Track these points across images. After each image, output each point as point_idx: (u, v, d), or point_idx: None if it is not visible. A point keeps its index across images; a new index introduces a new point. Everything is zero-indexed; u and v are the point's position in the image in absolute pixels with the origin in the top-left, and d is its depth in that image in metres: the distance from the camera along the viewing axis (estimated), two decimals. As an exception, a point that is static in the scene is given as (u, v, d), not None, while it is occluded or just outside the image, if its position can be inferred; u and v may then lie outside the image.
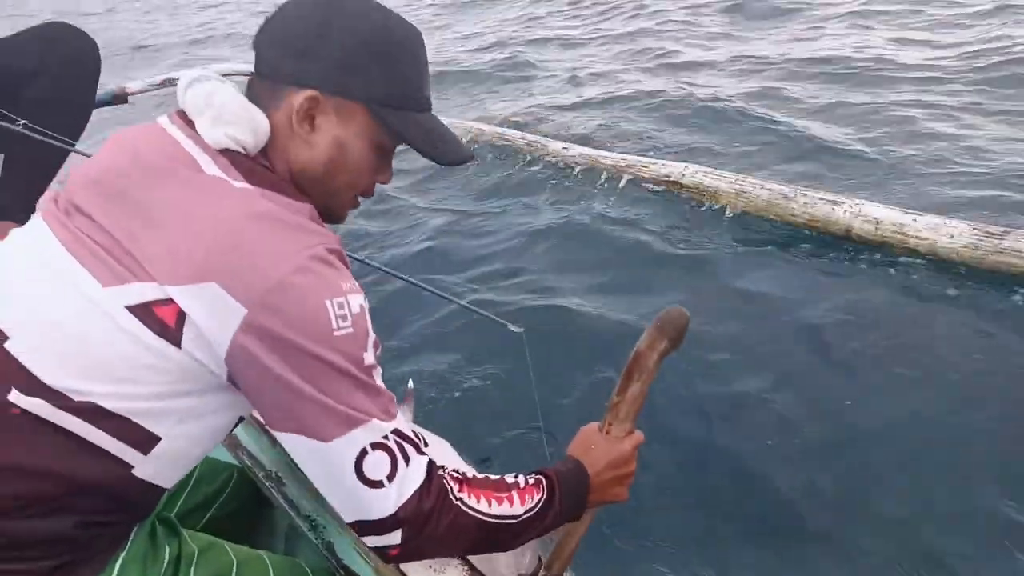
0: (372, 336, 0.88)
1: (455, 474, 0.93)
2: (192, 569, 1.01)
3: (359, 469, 0.83)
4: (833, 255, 2.92)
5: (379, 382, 0.88)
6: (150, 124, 0.98)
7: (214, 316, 0.82)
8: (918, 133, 3.99)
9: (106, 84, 3.26)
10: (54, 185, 2.33)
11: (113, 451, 0.86)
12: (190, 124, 0.94)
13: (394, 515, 0.85)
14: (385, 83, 0.96)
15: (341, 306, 0.84)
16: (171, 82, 3.71)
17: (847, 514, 1.85)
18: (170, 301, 0.82)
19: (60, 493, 0.85)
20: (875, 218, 2.86)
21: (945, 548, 1.72)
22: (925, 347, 2.33)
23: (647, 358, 1.05)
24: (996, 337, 2.32)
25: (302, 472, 1.23)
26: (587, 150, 4.18)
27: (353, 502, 0.86)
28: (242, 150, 0.92)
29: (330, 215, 1.02)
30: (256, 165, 0.92)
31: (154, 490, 0.94)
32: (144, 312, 0.82)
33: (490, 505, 0.93)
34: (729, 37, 6.77)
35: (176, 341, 0.83)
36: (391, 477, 0.84)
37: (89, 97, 2.20)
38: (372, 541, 0.88)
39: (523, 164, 4.34)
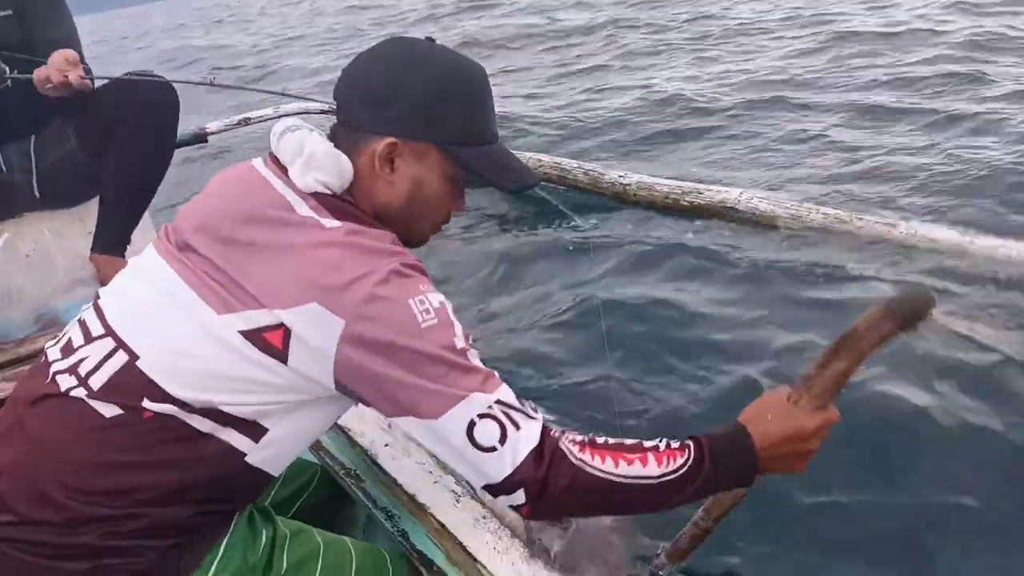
0: (458, 325, 1.02)
1: (577, 437, 1.00)
2: (285, 551, 1.14)
3: (472, 438, 0.95)
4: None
5: (475, 362, 1.00)
6: (247, 167, 1.15)
7: (319, 331, 0.97)
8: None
9: (187, 126, 3.54)
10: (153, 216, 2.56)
11: (230, 440, 1.02)
12: (283, 169, 1.09)
13: (511, 476, 0.95)
14: (456, 124, 1.10)
15: (422, 303, 0.98)
16: (247, 122, 4.00)
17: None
18: (278, 326, 0.97)
19: (185, 481, 1.01)
20: (932, 239, 2.87)
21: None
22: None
23: (862, 338, 0.99)
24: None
25: (378, 469, 1.38)
26: (644, 177, 4.28)
27: (474, 468, 0.98)
28: (329, 191, 1.07)
29: (411, 241, 1.16)
30: (342, 203, 1.08)
31: (262, 476, 1.08)
32: (255, 336, 0.98)
33: (617, 465, 0.97)
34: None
35: (284, 359, 0.98)
36: (503, 441, 0.95)
37: (168, 141, 2.35)
38: (502, 501, 0.99)
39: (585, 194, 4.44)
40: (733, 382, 2.38)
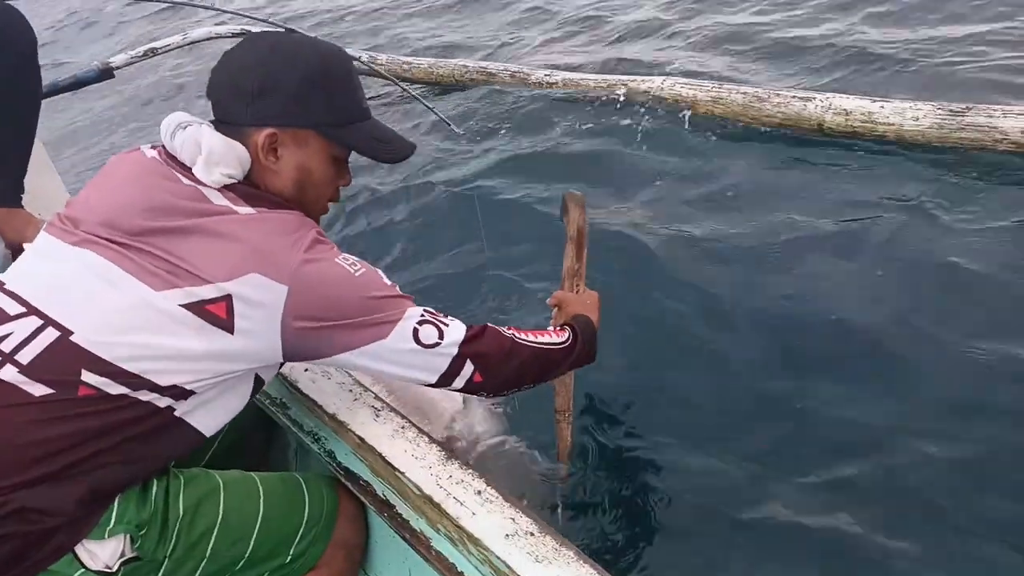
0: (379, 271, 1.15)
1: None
2: (181, 496, 1.13)
3: (417, 339, 1.13)
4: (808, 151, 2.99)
5: (399, 292, 1.17)
6: (141, 158, 1.17)
7: (263, 298, 1.04)
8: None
9: (89, 63, 3.33)
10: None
11: (160, 404, 1.05)
12: (182, 165, 1.14)
13: (457, 357, 1.16)
14: (329, 108, 1.17)
15: (346, 259, 1.12)
16: (154, 52, 3.80)
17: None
18: (221, 298, 1.02)
19: (115, 448, 1.02)
20: (844, 109, 2.91)
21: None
22: (907, 233, 2.38)
23: (582, 232, 1.64)
24: (975, 217, 2.37)
25: (301, 395, 1.41)
26: (570, 74, 4.21)
27: (428, 366, 1.16)
28: (234, 180, 1.13)
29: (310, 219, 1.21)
30: (250, 190, 1.14)
31: (196, 437, 1.12)
32: (197, 308, 1.02)
33: (529, 336, 1.28)
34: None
35: (230, 329, 1.04)
36: (441, 336, 1.15)
37: (25, 74, 2.09)
38: (457, 384, 1.19)
39: (514, 96, 4.37)
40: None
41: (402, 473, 1.19)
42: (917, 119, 2.71)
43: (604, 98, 3.85)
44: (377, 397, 1.38)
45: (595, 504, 1.70)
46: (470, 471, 1.18)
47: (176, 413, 1.07)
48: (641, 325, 2.21)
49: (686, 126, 3.41)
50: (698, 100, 3.48)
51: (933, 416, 1.78)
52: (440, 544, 1.14)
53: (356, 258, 1.14)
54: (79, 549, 1.01)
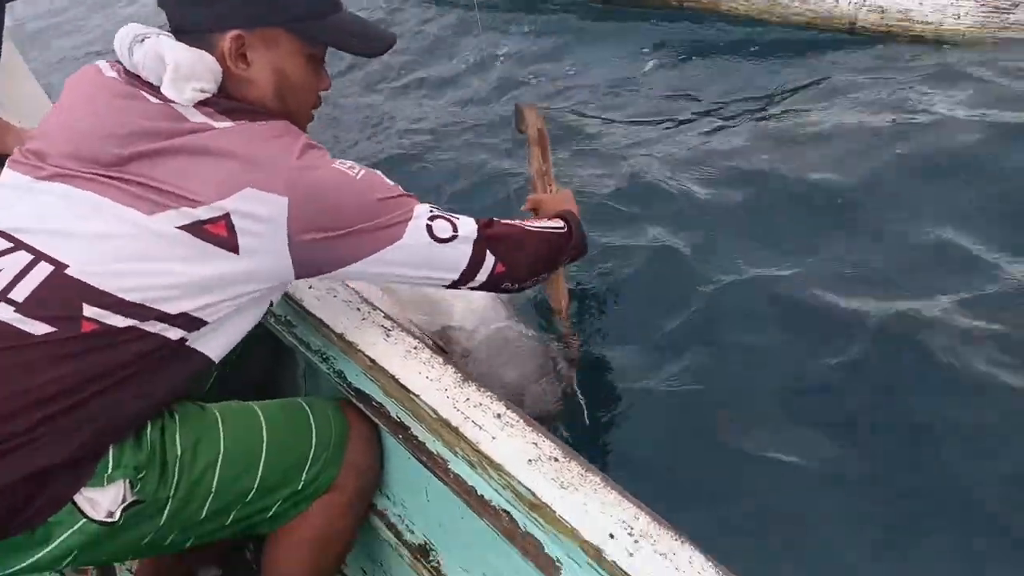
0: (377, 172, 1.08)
1: None
2: (177, 435, 1.06)
3: (432, 235, 1.09)
4: (839, 52, 2.80)
5: (403, 190, 1.11)
6: (106, 80, 1.06)
7: (264, 212, 0.95)
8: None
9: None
10: None
11: (171, 336, 0.99)
12: (145, 82, 1.03)
13: (476, 248, 1.14)
14: (296, 1, 1.06)
15: (343, 163, 1.04)
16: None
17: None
18: (220, 217, 0.94)
19: (123, 378, 0.96)
20: (880, 6, 2.72)
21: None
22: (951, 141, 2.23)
23: (544, 131, 1.73)
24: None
25: (306, 313, 1.34)
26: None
27: (448, 261, 1.13)
28: (208, 95, 1.02)
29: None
30: (229, 103, 1.04)
31: (202, 362, 1.06)
32: (196, 229, 0.94)
33: (542, 224, 1.31)
34: None
35: (234, 248, 0.96)
36: (456, 228, 1.12)
37: None
38: (481, 278, 1.17)
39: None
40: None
41: (416, 396, 1.13)
42: (958, 16, 2.52)
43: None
44: (387, 316, 1.31)
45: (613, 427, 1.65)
46: (488, 394, 1.12)
47: (188, 343, 1.01)
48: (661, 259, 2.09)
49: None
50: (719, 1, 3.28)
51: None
52: (458, 467, 1.08)
53: (352, 161, 1.07)
54: (79, 498, 0.95)
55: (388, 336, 1.25)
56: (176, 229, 0.94)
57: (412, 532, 1.32)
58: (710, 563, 0.82)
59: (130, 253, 0.94)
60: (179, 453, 1.05)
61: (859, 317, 1.73)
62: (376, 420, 1.23)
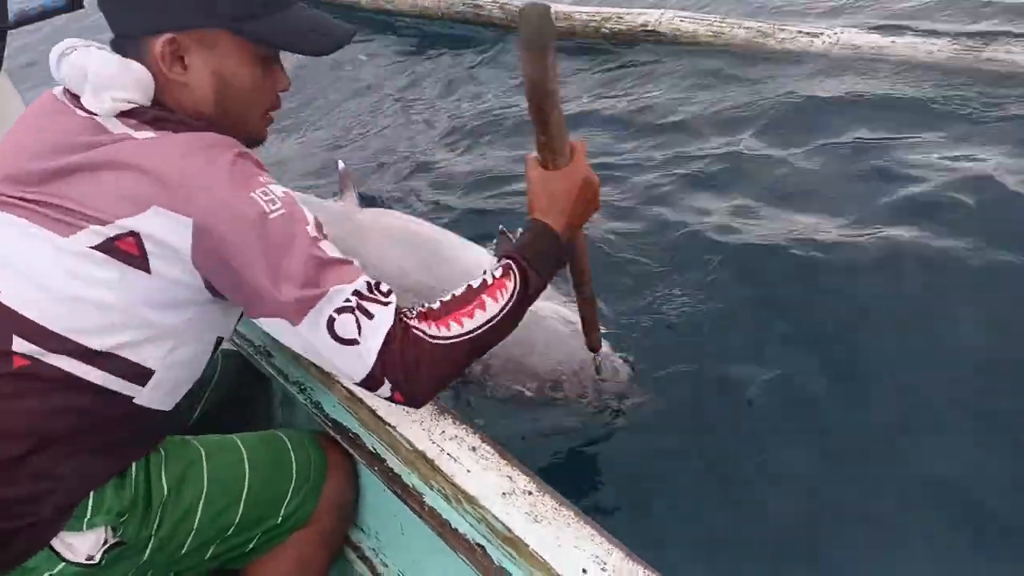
0: (309, 213, 0.95)
1: (422, 311, 0.98)
2: (163, 473, 1.05)
3: (333, 333, 0.91)
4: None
5: (332, 253, 0.94)
6: (47, 98, 1.03)
7: (169, 234, 0.89)
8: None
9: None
10: None
11: (113, 388, 0.95)
12: (76, 97, 0.98)
13: (373, 370, 0.92)
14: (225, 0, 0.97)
15: (266, 194, 0.92)
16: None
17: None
18: (128, 234, 0.89)
19: (69, 431, 0.93)
20: (854, 45, 2.79)
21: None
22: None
23: (544, 81, 1.00)
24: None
25: (283, 344, 1.33)
26: (562, 6, 4.04)
27: (341, 365, 0.94)
28: (136, 106, 0.96)
29: (250, 141, 1.06)
30: (157, 113, 0.97)
31: (154, 415, 1.02)
32: (107, 246, 0.90)
33: (463, 324, 0.97)
34: None
35: (145, 267, 0.91)
36: (360, 331, 0.91)
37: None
38: (378, 393, 0.96)
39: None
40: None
41: (392, 427, 1.13)
42: (931, 53, 2.59)
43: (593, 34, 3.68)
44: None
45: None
46: (464, 427, 1.12)
47: (135, 401, 0.98)
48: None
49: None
50: (699, 35, 3.35)
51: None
52: (434, 501, 1.08)
53: (284, 192, 0.93)
54: (56, 543, 0.94)
55: (365, 367, 1.25)
56: (90, 249, 0.90)
57: (386, 566, 1.31)
58: (682, 599, 0.82)
59: (53, 279, 0.91)
60: (165, 493, 1.03)
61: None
62: (352, 452, 1.22)
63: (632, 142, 2.75)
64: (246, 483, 1.12)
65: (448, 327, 0.96)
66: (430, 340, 0.95)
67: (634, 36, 3.57)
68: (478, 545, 1.01)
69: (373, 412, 1.17)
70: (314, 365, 1.27)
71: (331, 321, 0.91)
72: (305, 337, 0.92)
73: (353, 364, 0.93)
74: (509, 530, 0.95)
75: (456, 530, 1.05)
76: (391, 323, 0.93)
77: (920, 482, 1.44)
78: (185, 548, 1.06)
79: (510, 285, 1.01)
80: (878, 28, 2.89)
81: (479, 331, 0.98)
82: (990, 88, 2.39)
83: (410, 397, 0.97)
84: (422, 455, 1.08)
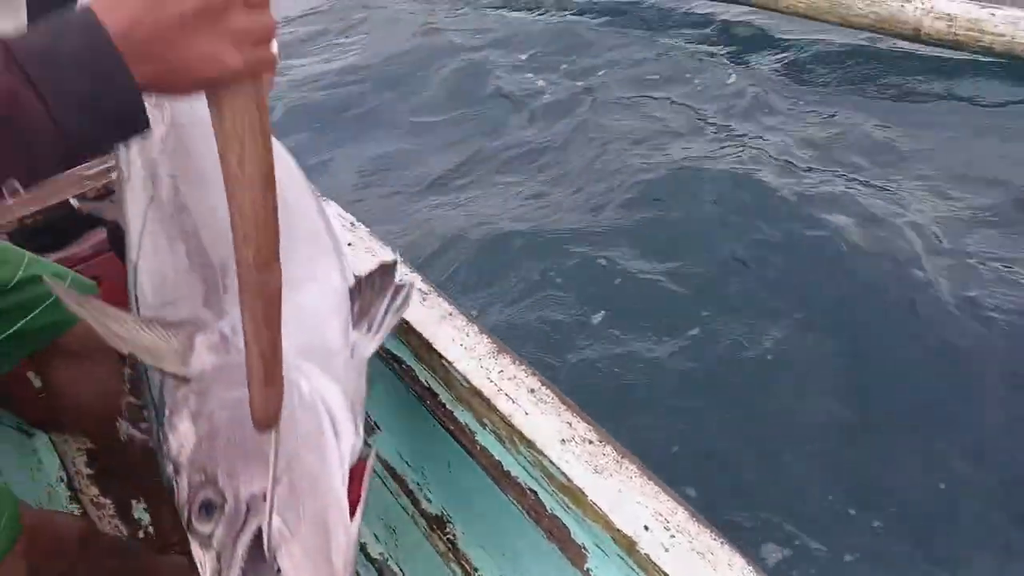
0: None
1: None
2: None
3: None
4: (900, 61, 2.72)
5: None
6: None
7: None
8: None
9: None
10: None
11: None
12: None
13: None
14: None
15: None
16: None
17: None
18: None
19: None
20: (948, 14, 2.62)
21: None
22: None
23: None
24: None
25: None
26: None
27: None
28: None
29: None
30: None
31: None
32: None
33: None
34: None
35: None
36: None
37: None
38: None
39: None
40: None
41: (450, 363, 1.09)
42: (1032, 30, 2.43)
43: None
44: (424, 280, 1.27)
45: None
46: (523, 367, 1.08)
47: None
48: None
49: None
50: (780, -5, 3.18)
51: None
52: (486, 439, 1.05)
53: None
54: None
55: (424, 300, 1.21)
56: None
57: (430, 501, 1.29)
58: (751, 568, 0.78)
59: None
60: None
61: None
62: (404, 382, 1.19)
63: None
64: None
65: None
66: None
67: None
68: (531, 490, 0.98)
69: (429, 344, 1.13)
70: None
71: None
72: None
73: None
74: (567, 477, 0.91)
75: (508, 472, 1.01)
76: None
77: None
78: None
79: None
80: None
81: None
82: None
83: None
84: (478, 392, 1.04)
